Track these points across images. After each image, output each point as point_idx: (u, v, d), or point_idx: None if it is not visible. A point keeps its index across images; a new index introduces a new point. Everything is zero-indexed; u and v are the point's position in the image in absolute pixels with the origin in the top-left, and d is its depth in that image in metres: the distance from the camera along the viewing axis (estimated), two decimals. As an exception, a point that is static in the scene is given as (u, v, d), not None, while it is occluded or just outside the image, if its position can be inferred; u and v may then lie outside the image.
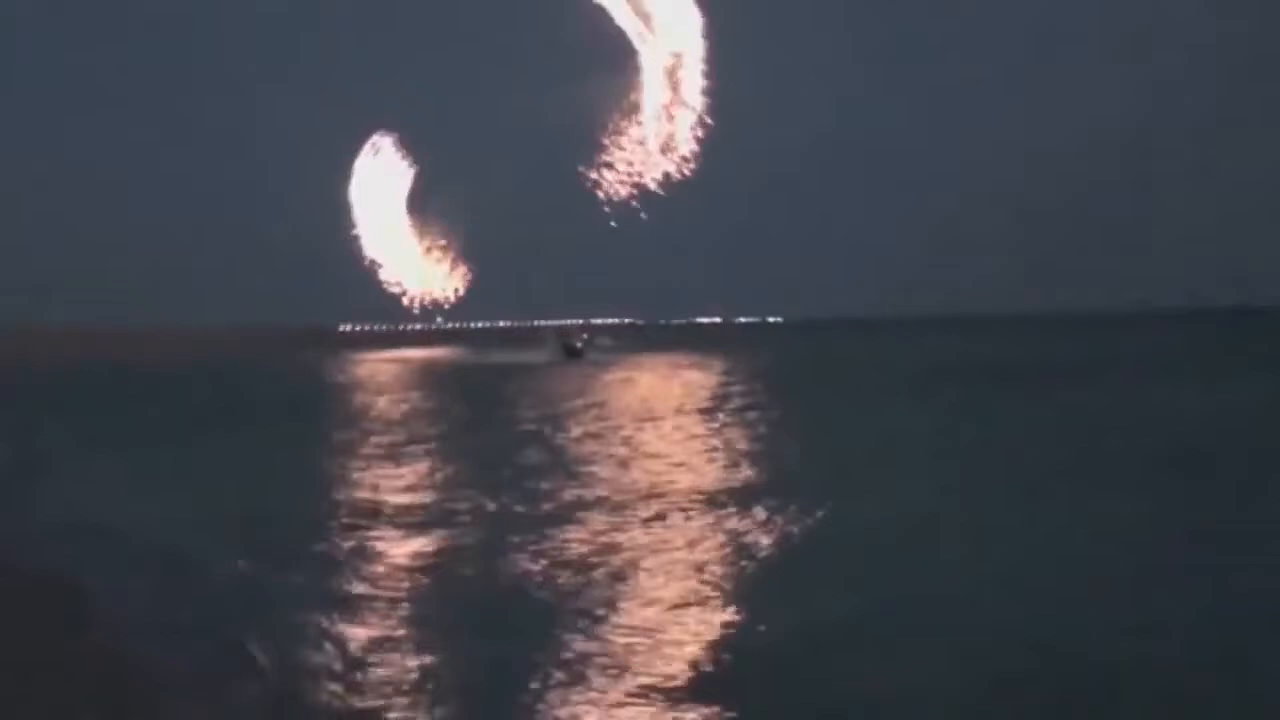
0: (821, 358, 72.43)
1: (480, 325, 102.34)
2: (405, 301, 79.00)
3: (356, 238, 77.98)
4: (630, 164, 57.49)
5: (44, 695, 8.64)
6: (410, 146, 79.23)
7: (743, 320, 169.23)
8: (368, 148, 77.94)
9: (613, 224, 57.41)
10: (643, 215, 57.63)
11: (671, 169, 56.89)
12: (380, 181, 78.74)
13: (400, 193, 78.87)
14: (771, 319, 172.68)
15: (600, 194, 57.23)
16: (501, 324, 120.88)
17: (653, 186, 57.27)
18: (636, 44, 57.17)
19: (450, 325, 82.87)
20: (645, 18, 56.70)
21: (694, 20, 56.88)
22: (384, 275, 78.97)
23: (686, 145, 57.07)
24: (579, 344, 68.86)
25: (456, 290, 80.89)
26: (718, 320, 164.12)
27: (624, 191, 57.18)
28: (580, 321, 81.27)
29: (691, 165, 56.80)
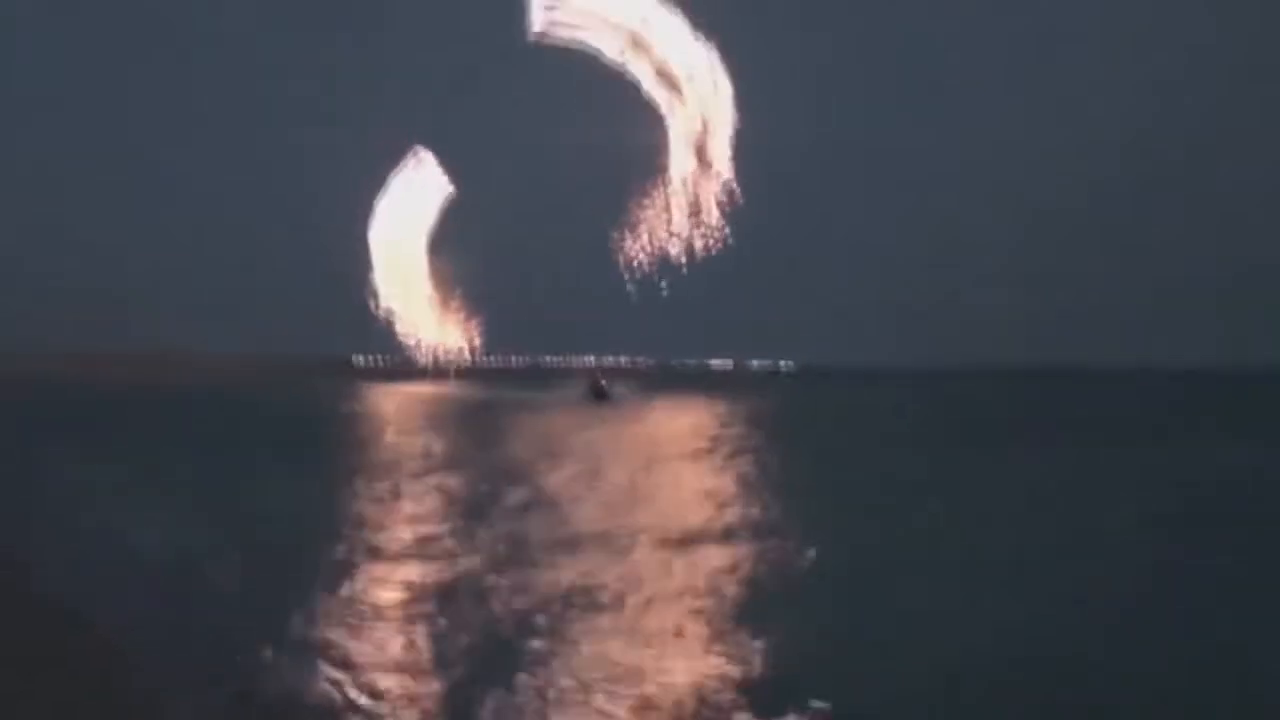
0: (827, 404, 72.62)
1: (494, 361, 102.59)
2: (420, 355, 79.24)
3: (375, 286, 78.10)
4: (653, 232, 57.84)
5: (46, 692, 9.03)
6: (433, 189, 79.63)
7: (754, 364, 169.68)
8: (409, 159, 78.20)
9: (629, 289, 57.72)
10: (663, 286, 57.87)
11: (697, 238, 57.19)
12: (406, 213, 78.82)
13: (422, 234, 79.05)
14: (783, 363, 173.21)
15: (622, 260, 57.58)
16: (515, 361, 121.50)
17: (674, 251, 57.56)
18: (665, 111, 57.52)
19: (465, 363, 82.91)
20: (674, 85, 57.01)
21: (724, 87, 57.03)
22: (400, 328, 79.30)
23: (713, 214, 57.31)
24: (605, 384, 67.75)
25: (472, 341, 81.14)
26: (729, 363, 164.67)
27: (646, 260, 57.52)
28: (592, 359, 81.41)
29: (716, 235, 57.06)
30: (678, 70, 56.69)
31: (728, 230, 56.80)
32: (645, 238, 57.60)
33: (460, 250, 77.24)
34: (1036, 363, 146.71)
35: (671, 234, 57.22)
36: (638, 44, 56.12)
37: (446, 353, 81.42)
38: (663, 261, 57.52)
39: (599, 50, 55.95)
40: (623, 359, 76.07)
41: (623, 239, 57.71)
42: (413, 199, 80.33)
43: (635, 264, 57.47)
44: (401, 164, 79.47)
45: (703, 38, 56.38)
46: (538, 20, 54.44)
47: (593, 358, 79.19)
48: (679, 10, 56.28)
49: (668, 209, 57.90)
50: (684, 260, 57.10)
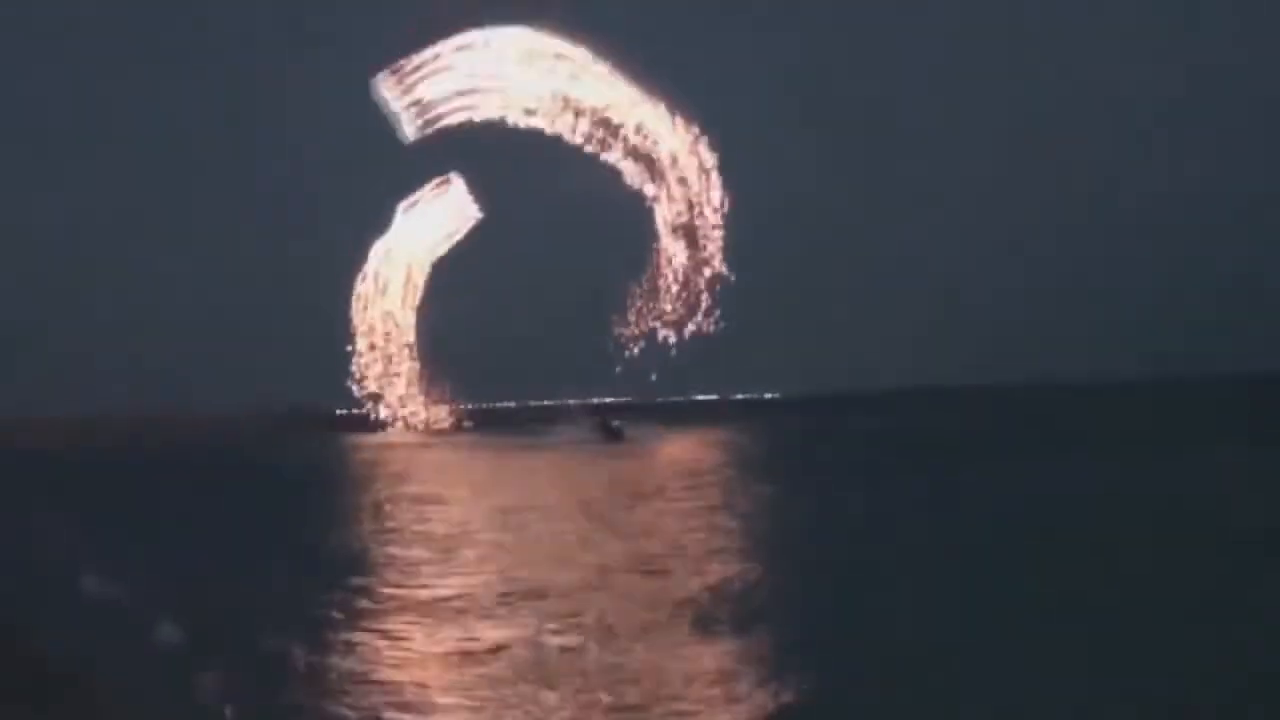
0: (815, 434, 72.70)
1: (486, 405, 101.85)
2: (406, 431, 78.30)
3: (358, 369, 77.03)
4: (642, 317, 58.32)
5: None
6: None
7: (739, 397, 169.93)
8: (434, 184, 76.74)
9: (618, 369, 58.15)
10: (653, 378, 58.38)
11: (687, 324, 57.78)
12: (396, 271, 77.13)
13: (411, 299, 77.77)
14: (768, 395, 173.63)
15: (611, 342, 58.04)
16: (508, 404, 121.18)
17: (664, 335, 58.08)
18: (650, 202, 57.86)
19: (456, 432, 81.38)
20: (659, 175, 57.29)
21: (709, 165, 57.11)
22: (384, 413, 78.31)
23: (703, 300, 57.81)
24: (617, 423, 64.99)
25: (459, 419, 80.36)
26: (714, 397, 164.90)
27: (636, 347, 58.06)
28: (575, 401, 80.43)
29: (707, 320, 57.59)
30: (660, 154, 56.91)
31: (719, 315, 57.46)
32: (635, 322, 58.16)
33: (448, 312, 75.72)
34: (1013, 380, 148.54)
35: (662, 320, 57.82)
36: (608, 127, 56.48)
37: (433, 427, 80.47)
38: (652, 343, 58.07)
39: (560, 133, 56.55)
40: (609, 399, 75.46)
41: (611, 320, 58.17)
42: (409, 246, 78.37)
43: (625, 347, 58.05)
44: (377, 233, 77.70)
45: (682, 120, 56.79)
46: (409, 129, 55.61)
47: (575, 401, 77.87)
48: (656, 96, 56.79)
49: (656, 295, 58.43)
50: (674, 343, 57.77)
